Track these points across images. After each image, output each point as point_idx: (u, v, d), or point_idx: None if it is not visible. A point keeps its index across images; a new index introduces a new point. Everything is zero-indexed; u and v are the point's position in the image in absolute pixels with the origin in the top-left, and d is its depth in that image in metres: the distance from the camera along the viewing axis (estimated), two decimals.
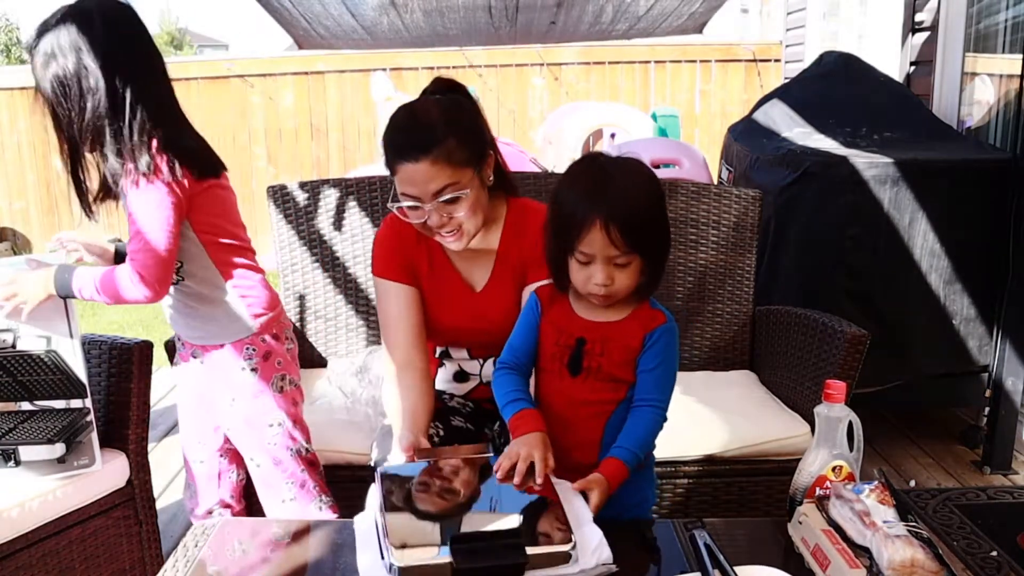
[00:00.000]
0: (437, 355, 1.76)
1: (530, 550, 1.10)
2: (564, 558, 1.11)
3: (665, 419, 1.35)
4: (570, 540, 1.12)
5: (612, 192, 1.27)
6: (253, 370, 1.73)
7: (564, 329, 1.37)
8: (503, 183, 1.61)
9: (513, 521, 1.18)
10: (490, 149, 1.56)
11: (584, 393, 1.33)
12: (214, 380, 1.75)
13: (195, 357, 1.78)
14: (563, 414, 1.36)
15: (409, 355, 1.60)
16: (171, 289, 1.69)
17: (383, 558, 1.13)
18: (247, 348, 1.72)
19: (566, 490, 1.27)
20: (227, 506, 1.88)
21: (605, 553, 1.14)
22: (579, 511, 1.22)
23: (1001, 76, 3.35)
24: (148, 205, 1.58)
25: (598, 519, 1.20)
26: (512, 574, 1.10)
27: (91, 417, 1.72)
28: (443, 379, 1.77)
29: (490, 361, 1.71)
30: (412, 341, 1.61)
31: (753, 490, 2.01)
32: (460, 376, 1.75)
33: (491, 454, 1.34)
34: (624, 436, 1.32)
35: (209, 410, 1.81)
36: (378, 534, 1.18)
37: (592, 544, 1.14)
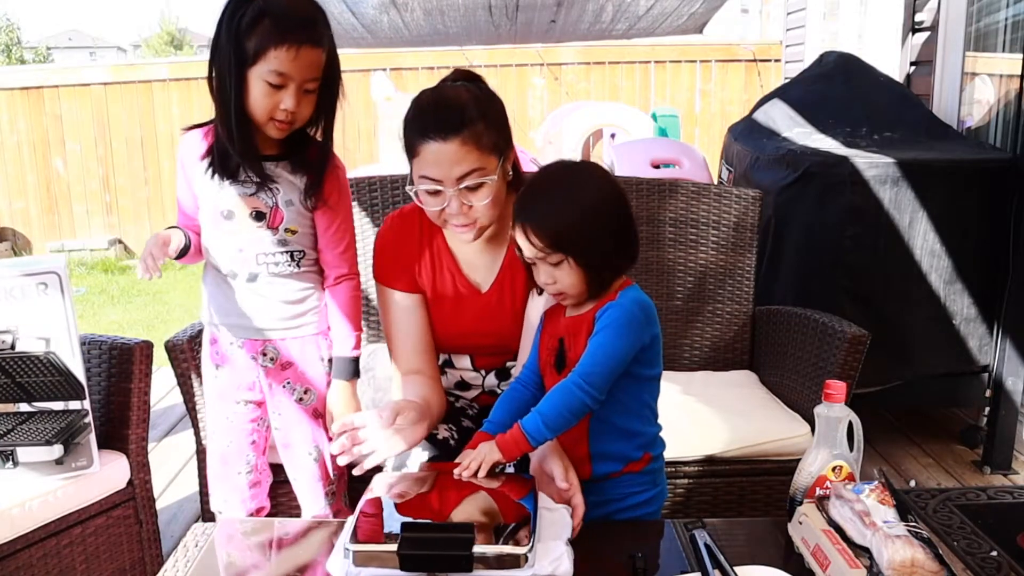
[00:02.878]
0: (439, 364, 1.70)
1: (480, 548, 1.11)
2: (517, 561, 1.11)
3: (580, 387, 1.28)
4: (526, 545, 1.12)
5: (534, 198, 1.33)
6: (329, 360, 1.72)
7: (553, 332, 1.41)
8: (518, 181, 1.55)
9: (474, 519, 1.19)
10: (512, 143, 1.52)
11: None
12: (286, 376, 1.70)
13: (265, 355, 1.69)
14: None
15: (416, 364, 1.55)
16: (288, 272, 1.65)
17: (346, 549, 1.15)
18: (324, 339, 1.73)
19: (553, 506, 1.28)
20: (261, 508, 1.85)
21: (564, 567, 1.14)
22: (558, 527, 1.22)
23: (1001, 76, 3.35)
24: (349, 197, 1.71)
25: (605, 516, 1.22)
26: (459, 567, 1.11)
27: (89, 419, 1.72)
28: (444, 386, 1.72)
29: (492, 374, 1.67)
30: (419, 350, 1.57)
31: (753, 490, 2.01)
32: (462, 385, 1.71)
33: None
34: (542, 401, 1.31)
35: (270, 411, 1.74)
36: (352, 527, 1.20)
37: (553, 555, 1.15)
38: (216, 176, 1.59)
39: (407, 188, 1.49)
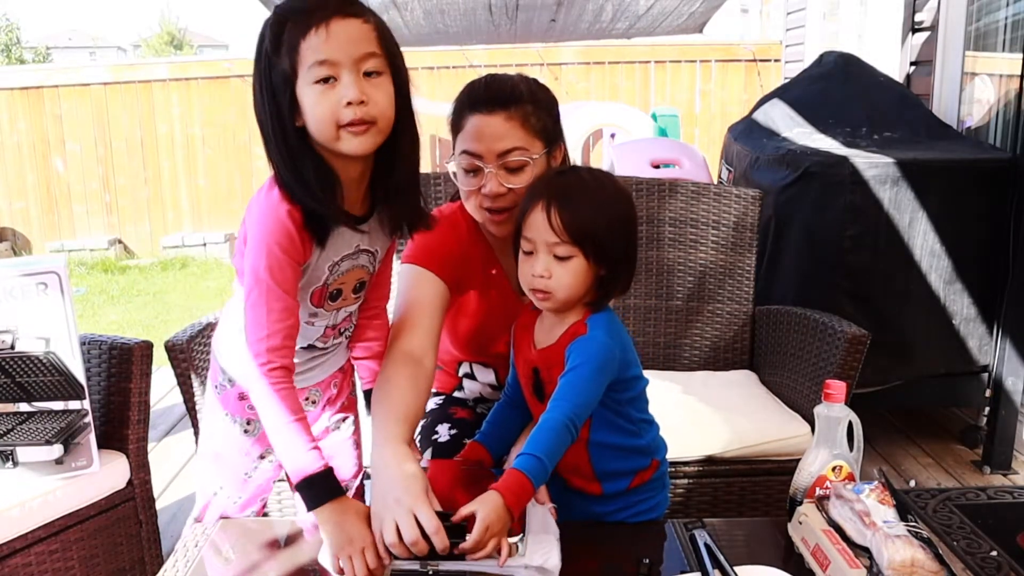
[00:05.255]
0: (460, 374, 1.66)
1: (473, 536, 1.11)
2: (509, 550, 1.12)
3: (571, 420, 1.19)
4: (517, 534, 1.13)
5: (567, 183, 1.26)
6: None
7: (527, 359, 1.36)
8: None
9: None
10: (562, 142, 1.47)
11: None
12: (331, 406, 1.56)
13: (307, 399, 1.49)
14: None
15: (421, 347, 1.35)
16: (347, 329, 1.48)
17: None
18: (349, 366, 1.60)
19: (535, 504, 1.27)
20: None
21: (553, 560, 1.14)
22: (544, 519, 1.23)
23: (1001, 76, 3.35)
24: None
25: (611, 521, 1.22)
26: (452, 556, 1.11)
27: (89, 419, 1.72)
28: (461, 397, 1.69)
29: None
30: (435, 339, 1.38)
31: (753, 490, 2.01)
32: (479, 400, 1.68)
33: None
34: (528, 442, 1.18)
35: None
36: None
37: (544, 547, 1.16)
38: (321, 249, 1.27)
39: (444, 163, 1.46)
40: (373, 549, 1.14)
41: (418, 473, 1.14)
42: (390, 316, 1.48)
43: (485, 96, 1.38)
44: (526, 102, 1.38)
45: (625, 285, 1.31)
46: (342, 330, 1.44)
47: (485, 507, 1.09)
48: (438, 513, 1.10)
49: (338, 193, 1.24)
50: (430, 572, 1.14)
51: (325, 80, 1.15)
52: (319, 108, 1.16)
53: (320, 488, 1.19)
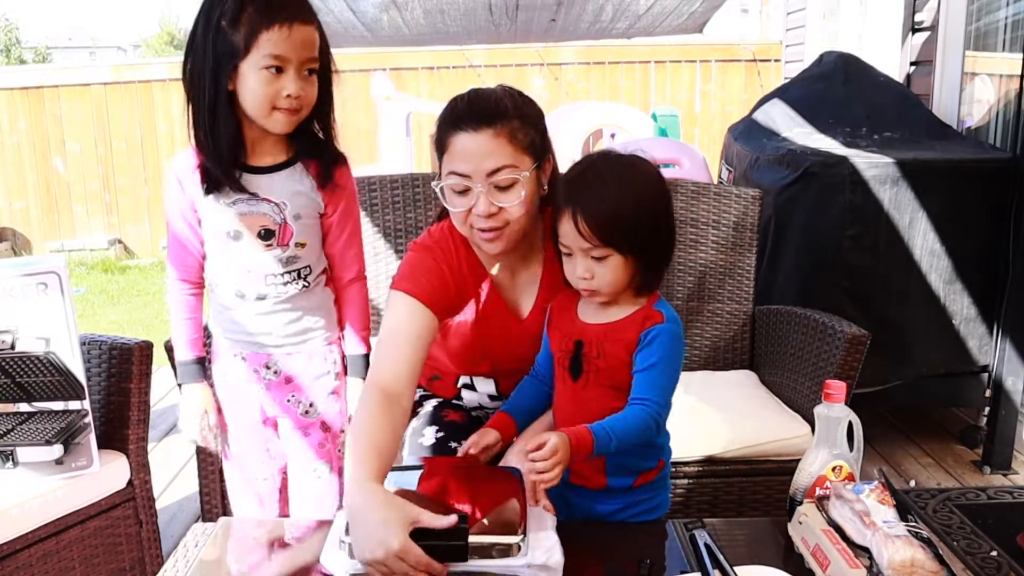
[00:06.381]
0: (459, 385, 1.65)
1: (476, 538, 1.12)
2: (511, 550, 1.12)
3: (656, 421, 1.26)
4: (519, 534, 1.14)
5: (588, 184, 1.26)
6: (338, 373, 1.67)
7: (567, 333, 1.36)
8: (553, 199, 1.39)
9: (468, 510, 1.18)
10: (551, 155, 1.43)
11: (586, 398, 1.29)
12: (290, 390, 1.64)
13: (268, 368, 1.63)
14: (570, 420, 1.31)
15: (402, 383, 1.35)
16: (298, 291, 1.58)
17: (341, 541, 1.16)
18: (333, 347, 1.66)
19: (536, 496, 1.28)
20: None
21: (556, 557, 1.14)
22: (541, 516, 1.23)
23: (1001, 76, 3.35)
24: (356, 194, 1.67)
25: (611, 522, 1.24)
26: (454, 557, 1.12)
27: (89, 419, 1.72)
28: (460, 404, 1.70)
29: None
30: (414, 371, 1.37)
31: (753, 490, 2.01)
32: (478, 409, 1.68)
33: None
34: (608, 419, 1.24)
35: (281, 419, 1.67)
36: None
37: (546, 544, 1.16)
38: (214, 194, 1.50)
39: (432, 184, 1.41)
40: (217, 416, 1.64)
41: (394, 516, 1.13)
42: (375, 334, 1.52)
43: (469, 113, 1.34)
44: (512, 117, 1.34)
45: (668, 261, 1.33)
46: (266, 279, 1.56)
47: (555, 436, 1.18)
48: (423, 530, 1.11)
49: (242, 148, 1.49)
50: None
51: (273, 69, 1.41)
52: (262, 91, 1.42)
53: (189, 372, 1.62)
